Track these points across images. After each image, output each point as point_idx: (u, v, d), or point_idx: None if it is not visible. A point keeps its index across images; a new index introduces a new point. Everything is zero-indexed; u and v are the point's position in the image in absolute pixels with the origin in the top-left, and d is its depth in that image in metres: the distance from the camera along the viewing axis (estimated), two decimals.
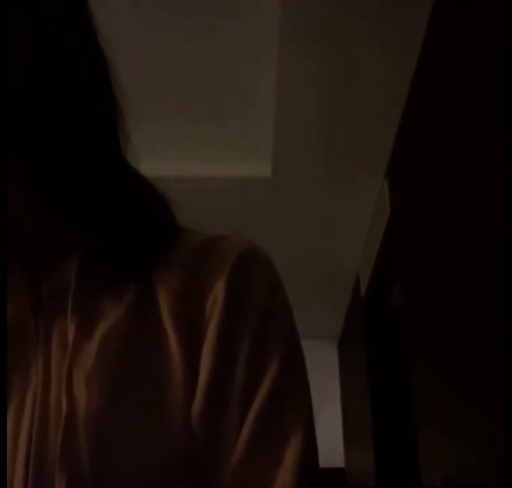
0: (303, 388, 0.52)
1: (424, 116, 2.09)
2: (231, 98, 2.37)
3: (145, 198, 0.58)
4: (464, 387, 1.68)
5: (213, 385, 0.49)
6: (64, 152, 0.52)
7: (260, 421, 0.49)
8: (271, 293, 0.54)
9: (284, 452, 0.48)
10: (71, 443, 0.46)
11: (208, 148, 2.61)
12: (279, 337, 0.52)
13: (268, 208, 2.90)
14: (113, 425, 0.47)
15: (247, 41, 2.13)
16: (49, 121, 0.51)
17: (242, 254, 0.54)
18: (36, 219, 0.54)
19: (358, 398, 3.60)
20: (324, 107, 2.34)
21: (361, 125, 2.40)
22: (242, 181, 2.73)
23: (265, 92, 2.31)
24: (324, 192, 2.82)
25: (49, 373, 0.50)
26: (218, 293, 0.52)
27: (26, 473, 0.46)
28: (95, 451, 0.46)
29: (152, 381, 0.49)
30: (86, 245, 0.54)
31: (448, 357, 1.84)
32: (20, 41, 0.49)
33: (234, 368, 0.50)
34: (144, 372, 0.49)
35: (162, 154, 2.51)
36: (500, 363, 1.36)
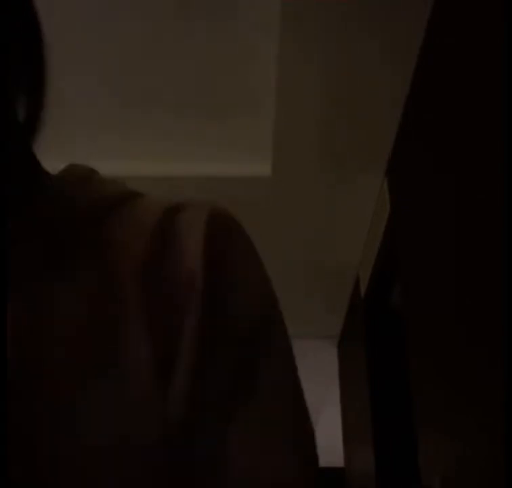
0: (295, 384, 0.47)
1: (424, 116, 2.09)
2: (231, 97, 2.37)
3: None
4: (465, 387, 1.68)
5: (192, 383, 0.42)
6: None
7: (246, 436, 0.43)
8: (248, 274, 0.48)
9: (278, 471, 0.43)
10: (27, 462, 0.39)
11: (208, 146, 2.61)
12: (267, 326, 0.47)
13: (268, 207, 2.90)
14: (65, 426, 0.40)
15: (247, 41, 2.13)
16: None
17: (212, 220, 0.48)
18: None
19: (358, 398, 3.60)
20: (324, 106, 2.34)
21: (361, 124, 2.40)
22: (241, 180, 2.73)
23: (265, 91, 2.30)
24: (324, 191, 2.82)
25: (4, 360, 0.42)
26: (195, 269, 0.44)
27: None
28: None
29: (111, 382, 0.41)
30: (31, 213, 0.46)
31: (448, 357, 1.84)
32: None
33: (214, 369, 0.43)
34: (102, 386, 0.41)
35: (162, 153, 2.51)
36: (500, 363, 1.36)
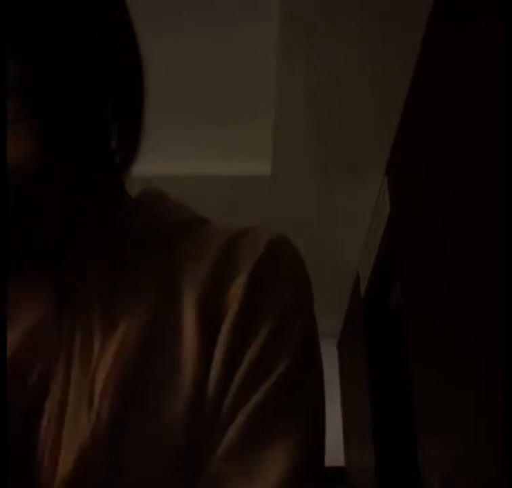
0: (309, 393, 0.50)
1: (424, 116, 2.09)
2: (232, 98, 2.37)
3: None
4: (464, 387, 1.68)
5: (218, 382, 0.47)
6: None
7: (248, 425, 0.46)
8: (294, 291, 0.52)
9: (267, 465, 0.45)
10: (86, 457, 0.44)
11: (208, 146, 2.61)
12: (292, 340, 0.50)
13: (267, 207, 2.90)
14: (124, 434, 0.45)
15: (247, 41, 2.13)
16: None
17: (269, 246, 0.52)
18: (62, 200, 0.49)
19: (358, 397, 3.60)
20: (323, 106, 2.34)
21: (360, 124, 2.40)
22: (241, 179, 2.73)
23: (265, 92, 2.31)
24: (323, 191, 2.83)
25: (68, 379, 0.47)
26: (240, 284, 0.50)
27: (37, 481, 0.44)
28: (108, 460, 0.44)
29: (166, 381, 0.47)
30: (106, 233, 0.51)
31: (447, 357, 1.84)
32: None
33: (238, 365, 0.48)
34: (159, 372, 0.47)
35: (162, 153, 2.51)
36: (500, 363, 1.36)
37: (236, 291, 0.49)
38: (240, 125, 2.50)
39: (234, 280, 0.50)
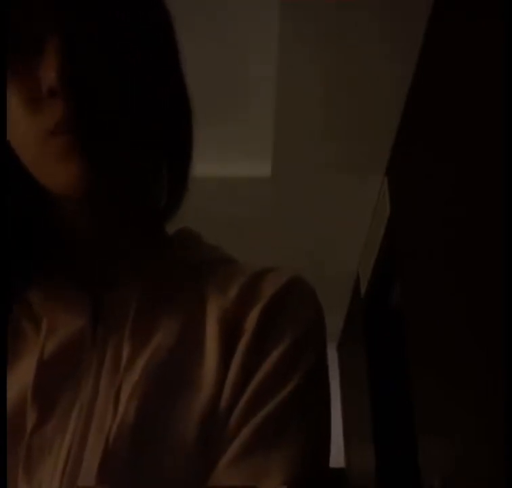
0: (311, 417, 0.52)
1: (424, 116, 2.09)
2: (231, 98, 2.37)
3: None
4: (464, 387, 1.68)
5: (229, 400, 0.51)
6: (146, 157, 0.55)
7: (251, 438, 0.49)
8: (308, 319, 0.56)
9: (267, 473, 0.47)
10: (107, 464, 0.47)
11: (208, 147, 2.61)
12: (301, 363, 0.53)
13: (268, 207, 2.91)
14: (146, 441, 0.48)
15: (247, 41, 2.13)
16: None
17: (286, 284, 0.57)
18: (103, 226, 0.56)
19: (358, 398, 3.60)
20: (323, 107, 2.34)
21: (361, 124, 2.40)
22: (241, 180, 2.73)
23: (265, 92, 2.31)
24: (323, 191, 2.83)
25: (97, 388, 0.51)
26: (258, 309, 0.55)
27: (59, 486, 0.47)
28: (132, 466, 0.47)
29: (185, 396, 0.51)
30: (149, 262, 0.57)
31: (447, 357, 1.84)
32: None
33: (248, 384, 0.51)
34: (181, 387, 0.51)
35: None
36: (500, 363, 1.36)
37: (253, 315, 0.54)
38: (240, 125, 2.50)
39: (253, 307, 0.55)
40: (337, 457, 4.20)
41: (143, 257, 0.58)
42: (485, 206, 1.50)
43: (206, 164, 2.66)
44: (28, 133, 0.49)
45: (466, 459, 1.68)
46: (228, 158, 2.66)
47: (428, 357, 2.09)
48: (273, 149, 2.53)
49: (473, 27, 1.59)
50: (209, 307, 0.56)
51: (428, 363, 2.09)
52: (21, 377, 0.50)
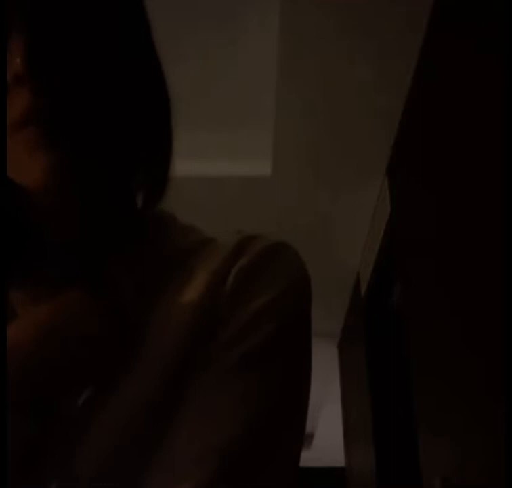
0: (277, 369, 0.52)
1: (425, 116, 2.09)
2: (232, 98, 2.38)
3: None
4: (464, 387, 1.68)
5: (200, 345, 0.52)
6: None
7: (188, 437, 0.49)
8: (287, 282, 0.55)
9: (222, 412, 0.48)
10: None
11: (209, 147, 2.61)
12: (277, 319, 0.53)
13: (267, 207, 2.91)
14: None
15: (247, 41, 2.14)
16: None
17: (271, 245, 0.57)
18: (77, 222, 0.54)
19: (358, 397, 3.60)
20: (323, 106, 2.34)
21: (361, 124, 2.41)
22: (241, 180, 2.73)
23: (266, 91, 2.31)
24: (323, 191, 2.83)
25: None
26: (246, 259, 0.55)
27: None
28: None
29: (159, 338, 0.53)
30: (141, 249, 0.57)
31: (447, 357, 1.84)
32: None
33: (223, 332, 0.52)
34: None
35: None
36: (500, 363, 1.36)
37: (235, 270, 0.54)
38: (240, 125, 2.50)
39: (237, 263, 0.54)
40: (337, 457, 4.20)
41: (124, 252, 0.56)
42: (486, 206, 1.50)
43: (207, 164, 2.66)
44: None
45: (466, 459, 1.68)
46: (228, 159, 2.66)
47: (428, 357, 2.09)
48: (273, 148, 2.53)
49: (472, 30, 1.59)
50: (198, 277, 0.55)
51: (428, 363, 2.09)
52: None
